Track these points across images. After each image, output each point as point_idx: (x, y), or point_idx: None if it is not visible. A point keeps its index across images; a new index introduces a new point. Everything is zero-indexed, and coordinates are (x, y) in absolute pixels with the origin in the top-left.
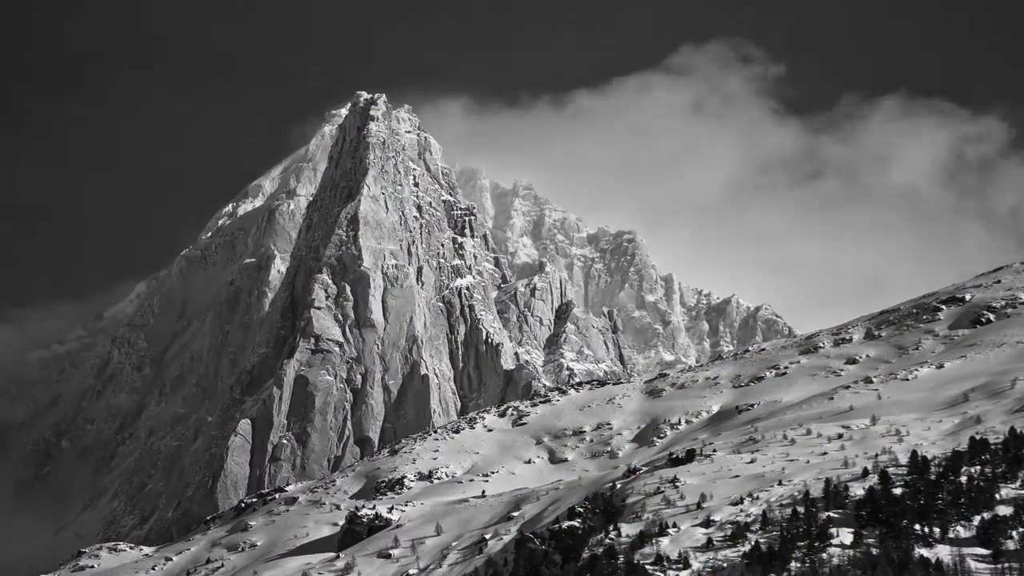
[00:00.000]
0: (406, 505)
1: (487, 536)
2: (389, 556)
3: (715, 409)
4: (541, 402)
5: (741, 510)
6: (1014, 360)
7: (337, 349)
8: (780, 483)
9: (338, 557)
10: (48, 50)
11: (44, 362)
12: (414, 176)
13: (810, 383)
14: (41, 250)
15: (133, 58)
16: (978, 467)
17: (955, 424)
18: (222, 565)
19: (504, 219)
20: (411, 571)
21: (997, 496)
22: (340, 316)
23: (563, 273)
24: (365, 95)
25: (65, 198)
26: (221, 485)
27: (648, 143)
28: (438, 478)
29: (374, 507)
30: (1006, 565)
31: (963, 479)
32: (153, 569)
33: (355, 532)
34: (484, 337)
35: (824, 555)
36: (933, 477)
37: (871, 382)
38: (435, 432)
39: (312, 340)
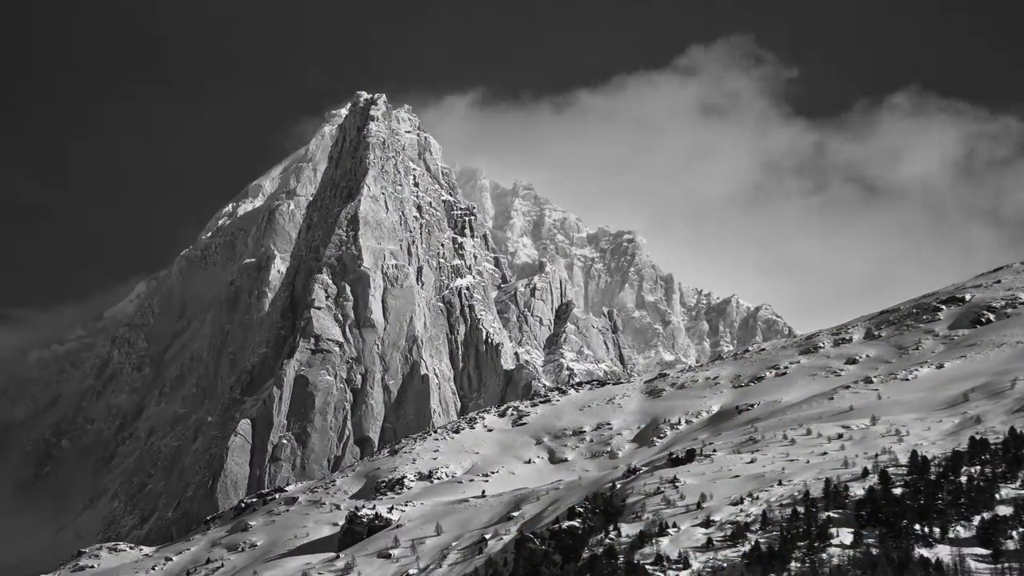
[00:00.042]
0: (406, 505)
1: (487, 536)
2: (389, 556)
3: (715, 409)
4: (541, 402)
5: (741, 510)
6: (1014, 360)
7: (337, 349)
8: (780, 483)
9: (338, 557)
10: (48, 50)
11: (44, 362)
12: (414, 176)
13: (810, 383)
14: (41, 250)
15: (133, 58)
16: (978, 467)
17: (955, 424)
18: (222, 565)
19: (504, 219)
20: (411, 571)
21: (997, 496)
22: (340, 316)
23: (563, 273)
24: (365, 95)
25: (65, 198)
26: (221, 485)
27: (649, 143)
28: (438, 478)
29: (374, 507)
30: (1006, 565)
31: (963, 479)
32: (153, 569)
33: (355, 532)
34: (484, 337)
35: (824, 555)
36: (933, 477)
37: (871, 382)
38: (435, 432)
39: (312, 340)
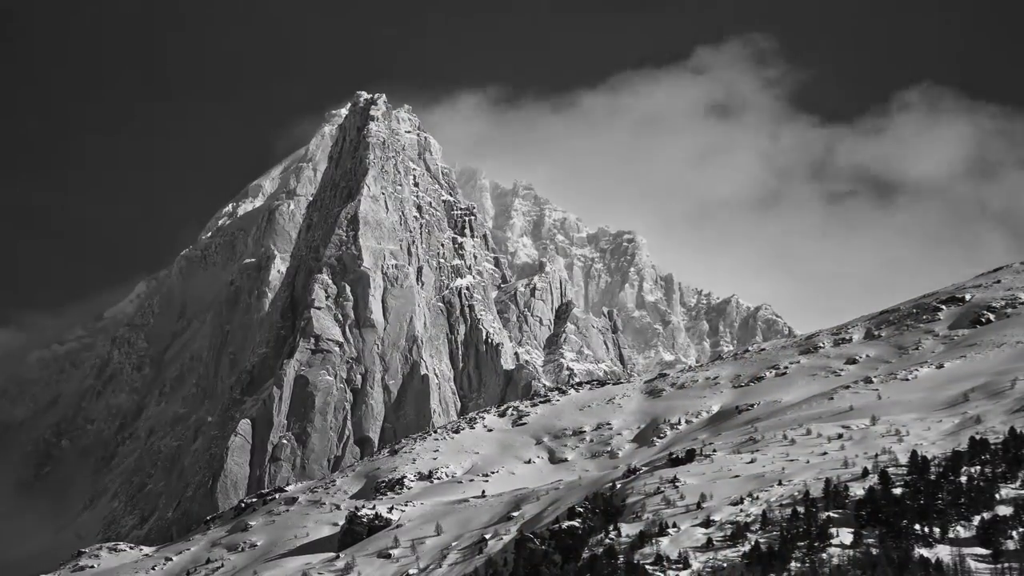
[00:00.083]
0: (406, 505)
1: (487, 536)
2: (389, 556)
3: (715, 409)
4: (541, 402)
5: (741, 510)
6: (1014, 360)
7: (337, 349)
8: (780, 483)
9: (338, 557)
10: (48, 50)
11: (44, 362)
12: (414, 176)
13: (810, 383)
14: (42, 250)
15: (134, 58)
16: (978, 467)
17: (955, 424)
18: (222, 565)
19: (504, 219)
20: (411, 571)
21: (997, 496)
22: (340, 316)
23: (563, 273)
24: (365, 95)
25: (65, 198)
26: (221, 485)
27: (651, 142)
28: (438, 478)
29: (374, 507)
30: (1006, 565)
31: (963, 479)
32: (153, 569)
33: (355, 532)
34: (484, 337)
35: (824, 555)
36: (933, 477)
37: (871, 382)
38: (435, 432)
39: (312, 340)
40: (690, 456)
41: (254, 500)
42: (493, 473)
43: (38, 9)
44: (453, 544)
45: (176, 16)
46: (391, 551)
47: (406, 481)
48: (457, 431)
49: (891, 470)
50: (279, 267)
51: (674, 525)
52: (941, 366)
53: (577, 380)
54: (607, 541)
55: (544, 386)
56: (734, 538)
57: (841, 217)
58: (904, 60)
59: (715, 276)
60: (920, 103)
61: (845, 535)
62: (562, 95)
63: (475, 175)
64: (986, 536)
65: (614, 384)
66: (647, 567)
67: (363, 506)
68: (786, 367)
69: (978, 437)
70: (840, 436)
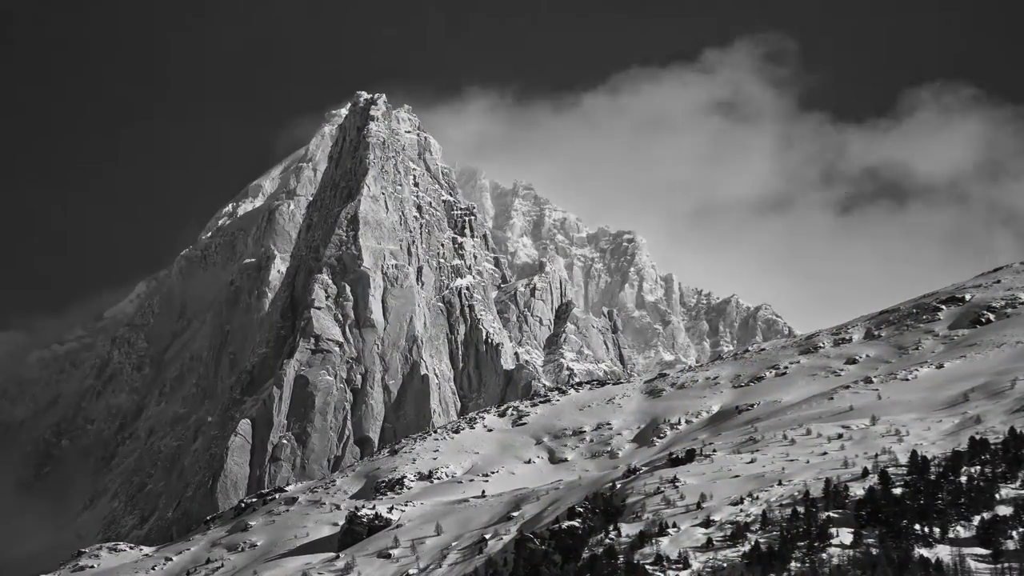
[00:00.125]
0: (406, 505)
1: (487, 536)
2: (389, 556)
3: (715, 409)
4: (541, 402)
5: (741, 510)
6: (1014, 360)
7: (337, 349)
8: (780, 483)
9: (338, 557)
10: (48, 51)
11: (44, 362)
12: (414, 176)
13: (810, 383)
14: (42, 250)
15: (134, 58)
16: (978, 467)
17: (955, 424)
18: (222, 565)
19: (504, 219)
20: (411, 571)
21: (997, 496)
22: (340, 316)
23: (563, 273)
24: (365, 95)
25: (65, 198)
26: (221, 485)
27: (652, 142)
28: (438, 478)
29: (374, 507)
30: (1006, 565)
31: (963, 479)
32: (153, 569)
33: (355, 532)
34: (484, 337)
35: (824, 555)
36: (933, 477)
37: (871, 382)
38: (435, 432)
39: (312, 340)
40: (690, 456)
41: (254, 500)
42: (493, 473)
43: (38, 10)
44: (453, 544)
45: (176, 16)
46: (391, 551)
47: (406, 481)
48: (457, 431)
49: (891, 470)
50: (279, 267)
51: (674, 525)
52: (941, 366)
53: (577, 380)
54: (607, 541)
55: (544, 386)
56: (734, 538)
57: (848, 218)
58: (915, 59)
59: (715, 276)
60: (932, 102)
61: (845, 535)
62: (564, 95)
63: (475, 175)
64: (986, 536)
65: (614, 384)
66: (647, 567)
67: (363, 506)
68: (786, 367)
69: (978, 437)
70: (840, 436)
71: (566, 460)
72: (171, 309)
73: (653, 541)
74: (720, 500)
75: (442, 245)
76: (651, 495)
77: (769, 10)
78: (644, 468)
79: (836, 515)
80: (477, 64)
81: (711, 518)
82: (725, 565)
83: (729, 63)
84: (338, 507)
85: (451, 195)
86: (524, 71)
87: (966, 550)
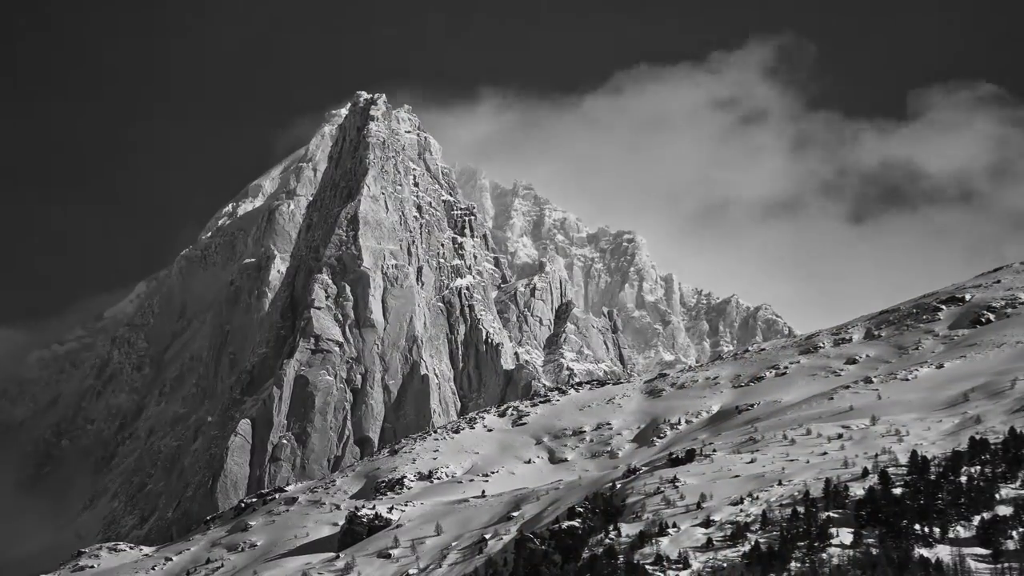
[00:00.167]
0: (406, 505)
1: (487, 536)
2: (389, 556)
3: (715, 409)
4: (541, 402)
5: (741, 510)
6: (1014, 360)
7: (337, 349)
8: (780, 483)
9: (338, 557)
10: (48, 50)
11: (44, 362)
12: (414, 176)
13: (810, 383)
14: (42, 250)
15: (134, 58)
16: (978, 467)
17: (955, 424)
18: (222, 565)
19: (504, 219)
20: (411, 571)
21: (997, 496)
22: (340, 316)
23: (563, 273)
24: (365, 95)
25: (65, 198)
26: (221, 485)
27: (652, 141)
28: (438, 478)
29: (374, 507)
30: (1006, 565)
31: (963, 479)
32: (153, 569)
33: (355, 532)
34: (484, 337)
35: (824, 555)
36: (933, 477)
37: (871, 382)
38: (435, 432)
39: (312, 340)
40: (690, 456)
41: (254, 500)
42: (493, 473)
43: (38, 11)
44: (453, 544)
45: (176, 16)
46: (391, 551)
47: (406, 481)
48: (457, 431)
49: (891, 470)
50: (279, 267)
51: (674, 525)
52: (941, 366)
53: (577, 380)
54: (607, 541)
55: (544, 386)
56: (734, 538)
57: (856, 220)
58: (923, 60)
59: (715, 276)
60: (942, 103)
61: (845, 535)
62: (565, 95)
63: (475, 175)
64: (986, 536)
65: (614, 384)
66: (647, 567)
67: (363, 506)
68: (786, 367)
69: (978, 437)
70: (840, 436)
71: (566, 460)
72: (171, 309)
73: (653, 541)
74: (720, 500)
75: (442, 245)
76: (651, 495)
77: (778, 11)
78: (644, 468)
79: (836, 515)
80: (477, 64)
81: (711, 518)
82: (725, 565)
83: (736, 63)
84: (338, 507)
85: (451, 195)
86: (525, 71)
87: (966, 550)
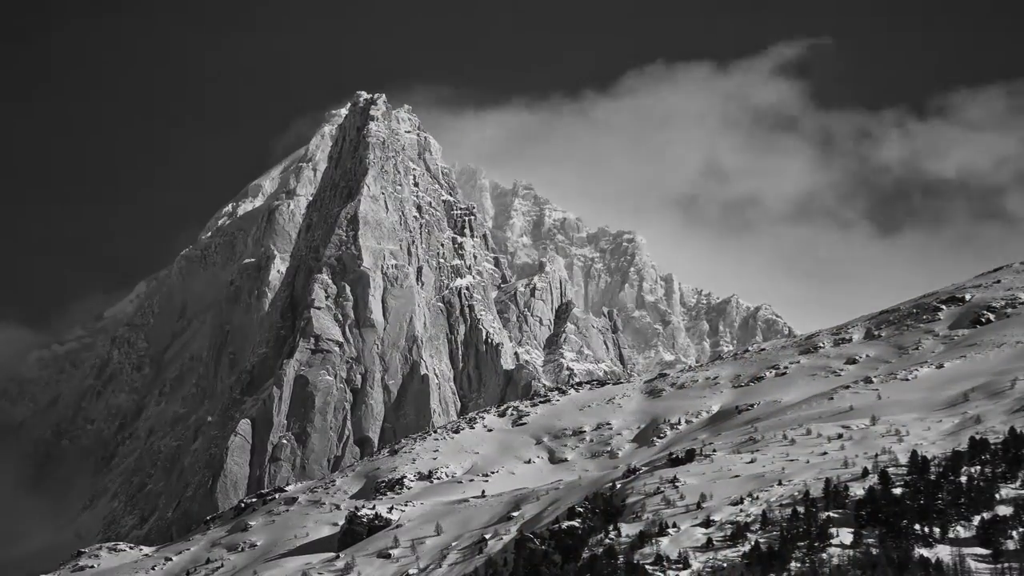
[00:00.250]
0: (406, 505)
1: (487, 536)
2: (389, 556)
3: (715, 409)
4: (541, 402)
5: (741, 510)
6: (1014, 360)
7: (337, 349)
8: (780, 483)
9: (338, 557)
10: (48, 51)
11: (44, 362)
12: (414, 176)
13: (810, 383)
14: (41, 250)
15: (133, 58)
16: (978, 467)
17: (955, 424)
18: (222, 565)
19: (504, 219)
20: (411, 571)
21: (997, 496)
22: (340, 316)
23: (563, 273)
24: (365, 95)
25: (65, 198)
26: (221, 485)
27: (653, 141)
28: (438, 478)
29: (374, 507)
30: (1006, 565)
31: (963, 479)
32: (153, 569)
33: (355, 532)
34: (484, 337)
35: (824, 555)
36: (933, 477)
37: (871, 382)
38: (435, 432)
39: (312, 340)
40: (690, 456)
41: (254, 500)
42: (493, 473)
43: (38, 11)
44: (453, 544)
45: (176, 16)
46: (391, 551)
47: (406, 481)
48: (457, 431)
49: (891, 470)
50: (279, 267)
51: (674, 525)
52: (941, 366)
53: (577, 380)
54: (607, 541)
55: (544, 386)
56: (734, 538)
57: (862, 221)
58: (940, 64)
59: (715, 276)
60: (960, 106)
61: (845, 535)
62: (567, 95)
63: (475, 175)
64: (986, 536)
65: (614, 384)
66: (647, 567)
67: (363, 506)
68: (786, 367)
69: (978, 437)
70: (840, 436)
71: (566, 460)
72: (171, 309)
73: (653, 541)
74: (720, 500)
75: (442, 245)
76: (651, 495)
77: (795, 14)
78: (644, 468)
79: (836, 515)
80: (478, 64)
81: (711, 518)
82: (725, 565)
83: (743, 66)
84: (338, 507)
85: (451, 195)
86: (526, 71)
87: (966, 550)
